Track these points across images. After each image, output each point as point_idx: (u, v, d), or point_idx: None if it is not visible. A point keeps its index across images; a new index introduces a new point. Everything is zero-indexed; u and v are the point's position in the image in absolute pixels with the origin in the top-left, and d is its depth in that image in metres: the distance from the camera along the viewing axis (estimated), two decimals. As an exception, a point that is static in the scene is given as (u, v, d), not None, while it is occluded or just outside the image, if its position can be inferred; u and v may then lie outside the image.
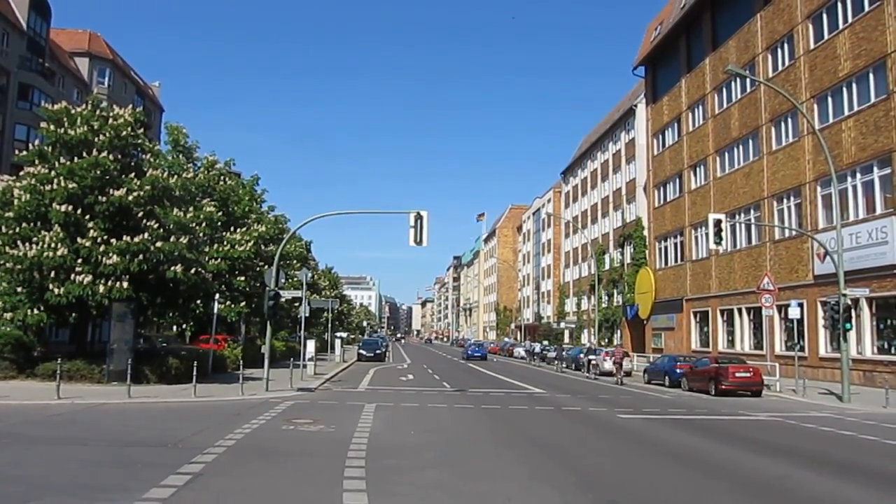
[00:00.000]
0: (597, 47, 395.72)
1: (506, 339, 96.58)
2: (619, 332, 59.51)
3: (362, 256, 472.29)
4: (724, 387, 25.09)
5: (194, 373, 19.72)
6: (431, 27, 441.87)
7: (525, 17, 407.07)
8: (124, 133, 22.87)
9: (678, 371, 29.18)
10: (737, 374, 25.29)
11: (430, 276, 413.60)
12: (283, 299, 24.86)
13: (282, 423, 14.57)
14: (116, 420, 14.70)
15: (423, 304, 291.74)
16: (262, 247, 35.82)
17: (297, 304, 40.40)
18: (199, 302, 27.94)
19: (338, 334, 59.68)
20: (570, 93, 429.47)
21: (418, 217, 22.93)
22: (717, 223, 24.58)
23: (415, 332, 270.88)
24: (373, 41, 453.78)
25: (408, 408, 18.86)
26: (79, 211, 21.40)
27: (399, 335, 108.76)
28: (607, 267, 61.91)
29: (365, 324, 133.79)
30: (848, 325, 23.11)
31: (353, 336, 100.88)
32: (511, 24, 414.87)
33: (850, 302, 23.11)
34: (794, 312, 26.58)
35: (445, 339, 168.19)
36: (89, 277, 20.78)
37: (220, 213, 32.35)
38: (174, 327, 40.54)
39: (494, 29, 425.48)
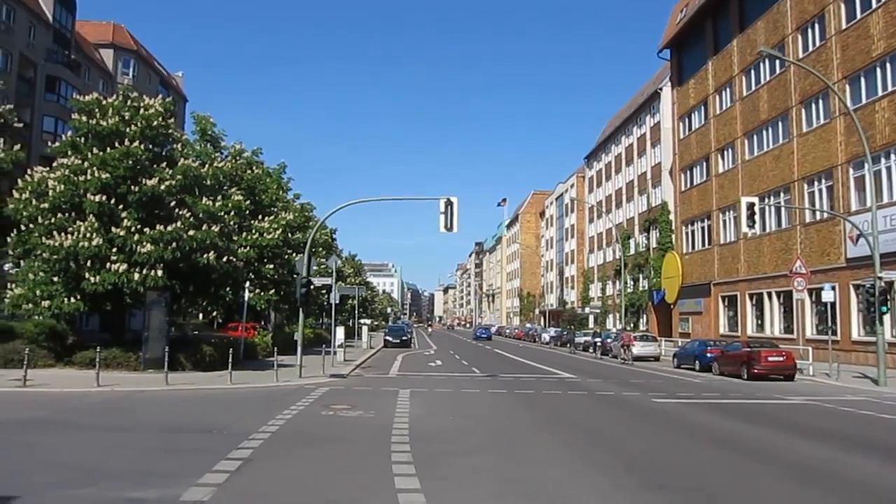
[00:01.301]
0: (619, 32, 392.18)
1: (528, 325, 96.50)
2: (644, 316, 59.25)
3: (383, 243, 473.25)
4: (756, 371, 24.90)
5: (230, 360, 19.91)
6: (454, 13, 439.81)
7: (547, 2, 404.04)
8: (155, 123, 23.04)
9: (709, 355, 28.98)
10: (769, 359, 25.09)
11: (451, 262, 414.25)
12: (313, 287, 24.98)
13: (321, 409, 14.69)
14: (157, 407, 14.90)
15: (445, 291, 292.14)
16: (290, 235, 36.09)
17: (323, 292, 40.69)
18: (228, 290, 28.18)
19: (362, 321, 60.05)
20: (592, 78, 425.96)
21: (448, 203, 22.93)
22: (751, 206, 24.33)
23: (437, 319, 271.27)
24: (395, 29, 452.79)
25: (442, 393, 18.93)
26: (112, 201, 21.65)
27: (428, 323, 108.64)
28: (632, 252, 61.51)
29: (389, 310, 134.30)
30: (884, 308, 22.81)
31: (376, 323, 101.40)
32: (533, 10, 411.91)
33: (884, 285, 22.76)
34: (827, 296, 26.24)
35: (468, 325, 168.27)
36: (124, 266, 21.04)
37: (247, 202, 32.62)
38: (201, 315, 40.96)
39: (516, 15, 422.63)
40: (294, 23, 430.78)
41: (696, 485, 8.37)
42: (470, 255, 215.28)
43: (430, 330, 73.15)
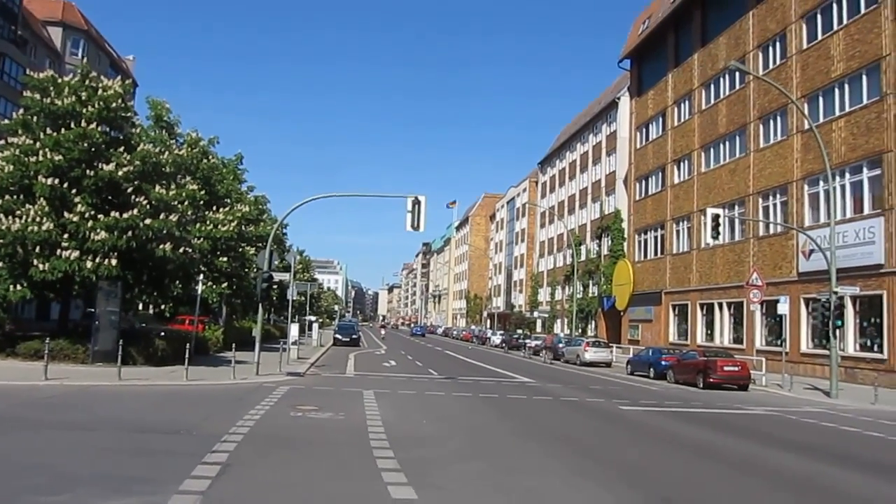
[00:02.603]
0: (577, 40, 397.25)
1: (473, 327, 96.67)
2: (594, 322, 59.81)
3: (329, 240, 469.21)
4: (712, 380, 25.20)
5: (186, 356, 19.15)
6: (411, 13, 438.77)
7: (506, 7, 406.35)
8: (114, 105, 22.07)
9: (663, 363, 29.27)
10: (725, 368, 25.42)
11: (396, 261, 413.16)
12: (285, 281, 24.30)
13: (288, 410, 14.15)
14: (115, 404, 14.13)
15: (390, 290, 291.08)
16: (244, 227, 35.12)
17: (274, 287, 39.79)
18: (177, 282, 27.24)
19: (308, 318, 59.10)
20: (547, 84, 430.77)
21: (416, 202, 22.63)
22: (715, 217, 24.61)
23: (381, 318, 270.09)
24: (349, 26, 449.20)
25: (407, 395, 18.55)
26: (65, 185, 20.62)
27: (381, 323, 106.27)
28: (584, 258, 62.07)
29: (336, 308, 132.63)
30: (839, 323, 23.32)
31: (320, 320, 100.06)
32: (491, 13, 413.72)
33: (847, 300, 23.28)
34: (782, 308, 26.76)
35: (412, 325, 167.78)
36: (76, 253, 20.03)
37: (202, 192, 31.55)
38: (149, 307, 39.61)
39: (473, 17, 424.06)
40: (248, 17, 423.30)
41: (699, 499, 8.20)
42: (417, 255, 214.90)
43: (383, 332, 71.56)
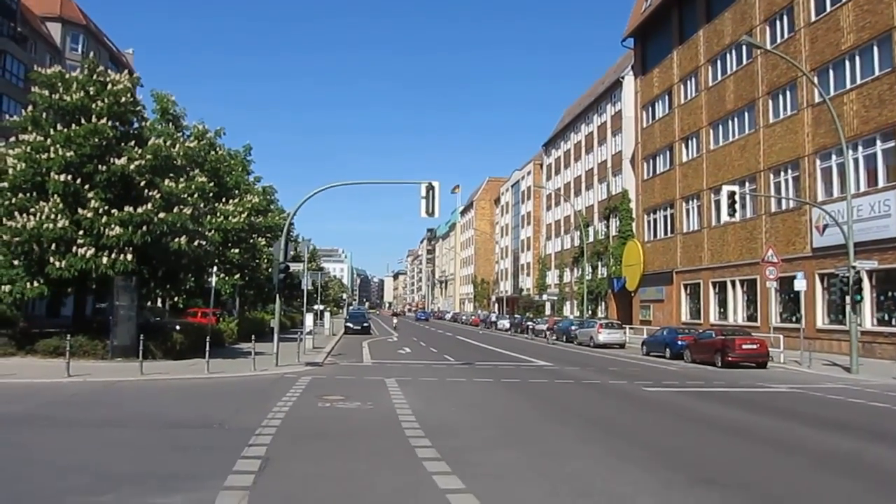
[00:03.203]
0: (579, 19, 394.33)
1: (480, 312, 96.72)
2: (604, 304, 59.72)
3: (333, 229, 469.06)
4: (730, 358, 25.12)
5: (206, 349, 19.12)
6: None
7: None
8: (123, 99, 21.92)
9: (680, 343, 29.18)
10: (743, 346, 25.34)
11: (400, 248, 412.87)
12: (295, 271, 24.20)
13: (315, 401, 14.10)
14: (142, 399, 14.10)
15: (395, 277, 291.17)
16: (254, 218, 35.06)
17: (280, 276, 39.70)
18: (189, 274, 27.22)
19: (316, 307, 59.14)
20: (549, 66, 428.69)
21: (430, 188, 22.44)
22: (731, 195, 24.39)
23: (387, 305, 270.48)
24: (350, 13, 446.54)
25: (429, 382, 18.50)
26: (78, 181, 20.51)
27: (394, 312, 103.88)
28: (591, 239, 61.84)
29: (344, 297, 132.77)
30: (858, 297, 23.17)
31: (328, 309, 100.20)
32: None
33: (863, 274, 23.11)
34: (799, 285, 26.58)
35: (417, 311, 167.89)
36: (92, 250, 19.98)
37: (211, 184, 31.47)
38: (161, 301, 39.63)
39: (474, 0, 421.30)
40: (242, 8, 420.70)
41: (744, 480, 8.11)
42: (421, 242, 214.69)
43: (395, 321, 67.38)
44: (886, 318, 27.82)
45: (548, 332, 48.39)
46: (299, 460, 8.63)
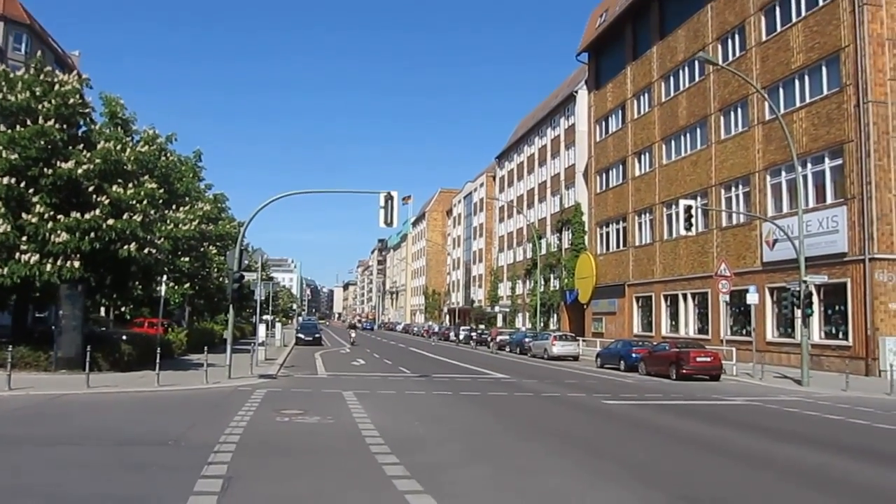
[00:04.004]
0: (532, 32, 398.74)
1: (430, 324, 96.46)
2: (556, 315, 60.03)
3: (281, 238, 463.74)
4: (685, 371, 25.33)
5: (157, 360, 18.44)
6: (359, 8, 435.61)
7: (461, 1, 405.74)
8: (71, 101, 21.09)
9: (634, 355, 29.37)
10: (698, 359, 25.59)
11: (350, 259, 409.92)
12: (247, 281, 23.58)
13: (273, 415, 13.64)
14: (90, 414, 13.43)
15: (345, 287, 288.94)
16: (204, 226, 34.23)
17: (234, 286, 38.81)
18: (137, 283, 26.35)
19: (265, 317, 58.05)
20: (502, 78, 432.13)
21: (388, 198, 22.22)
22: (688, 209, 24.66)
23: (336, 316, 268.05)
24: (296, 25, 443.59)
25: (388, 395, 18.15)
26: (22, 184, 19.63)
27: (351, 324, 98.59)
28: (544, 252, 62.20)
29: (294, 307, 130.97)
30: (810, 311, 23.65)
31: (277, 319, 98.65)
32: (444, 8, 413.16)
33: (812, 288, 23.60)
34: (752, 298, 27.04)
35: (363, 321, 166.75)
36: (36, 256, 19.10)
37: (161, 191, 30.60)
38: (104, 310, 38.33)
39: (426, 10, 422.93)
40: (189, 14, 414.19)
41: (721, 497, 8.02)
42: (372, 252, 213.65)
43: (353, 334, 56.92)
44: (833, 331, 28.49)
45: (490, 343, 51.42)
46: (263, 480, 8.23)
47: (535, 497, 7.71)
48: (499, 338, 50.77)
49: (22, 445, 10.09)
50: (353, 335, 55.47)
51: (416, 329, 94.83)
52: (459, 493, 7.80)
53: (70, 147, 20.83)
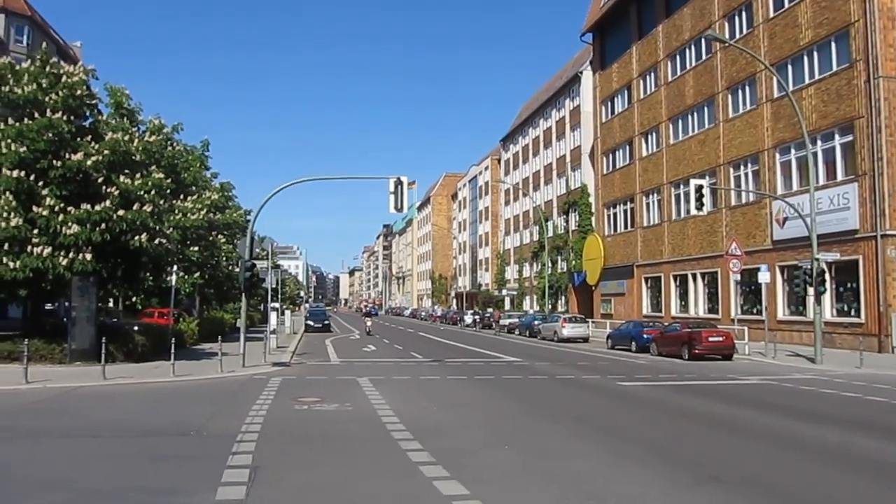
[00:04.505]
0: (536, 14, 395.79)
1: (436, 308, 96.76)
2: (564, 298, 60.00)
3: (287, 226, 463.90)
4: (697, 351, 25.28)
5: (172, 350, 18.47)
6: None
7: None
8: (78, 92, 21.00)
9: (646, 336, 29.34)
10: (710, 339, 25.54)
11: (355, 245, 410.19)
12: (257, 269, 23.57)
13: (291, 403, 13.66)
14: (109, 406, 13.47)
15: (351, 273, 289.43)
16: (212, 215, 34.18)
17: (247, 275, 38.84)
18: (147, 273, 26.37)
19: (273, 305, 58.15)
20: (506, 61, 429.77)
21: (398, 183, 22.13)
22: (699, 188, 24.52)
23: (343, 302, 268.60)
24: (299, 8, 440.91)
25: (403, 381, 18.17)
26: (32, 177, 19.59)
27: (364, 311, 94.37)
28: (551, 234, 62.09)
29: (302, 294, 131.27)
30: (822, 289, 23.56)
31: (285, 307, 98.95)
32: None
33: (824, 266, 23.48)
34: (763, 277, 26.97)
35: (368, 306, 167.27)
36: (48, 249, 19.10)
37: (168, 181, 30.57)
38: (114, 301, 38.42)
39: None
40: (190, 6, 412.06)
41: (748, 477, 7.98)
42: (377, 238, 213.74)
43: (368, 323, 49.70)
44: (845, 308, 28.41)
45: (494, 325, 52.41)
46: (289, 468, 8.24)
47: (563, 480, 7.70)
48: (508, 321, 50.85)
49: (44, 438, 10.12)
50: (370, 324, 48.91)
51: (423, 314, 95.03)
52: (487, 477, 7.79)
53: (78, 139, 20.76)
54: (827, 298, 28.43)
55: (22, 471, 8.11)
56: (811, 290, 23.66)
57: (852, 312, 27.90)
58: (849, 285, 28.21)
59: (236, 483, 7.41)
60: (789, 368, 22.28)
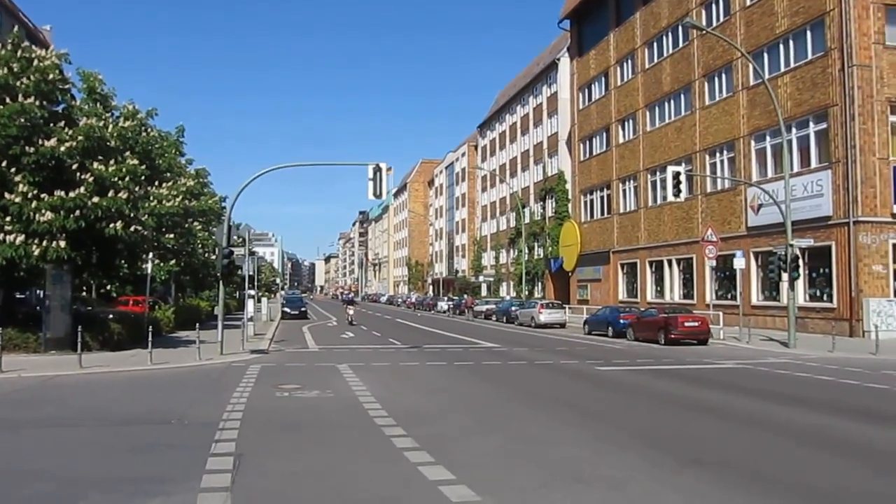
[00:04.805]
0: (511, 1, 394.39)
1: (412, 295, 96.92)
2: (540, 284, 60.28)
3: (261, 212, 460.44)
4: (673, 336, 25.56)
5: (149, 339, 18.30)
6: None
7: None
8: (51, 77, 20.59)
9: (622, 322, 29.58)
10: (686, 324, 25.83)
11: (331, 231, 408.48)
12: (234, 256, 23.34)
13: (272, 391, 13.62)
14: (87, 395, 13.32)
15: (327, 260, 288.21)
16: (187, 202, 33.80)
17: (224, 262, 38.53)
18: (123, 261, 26.07)
19: (250, 292, 57.75)
20: (483, 47, 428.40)
21: (377, 169, 22.03)
22: (676, 175, 24.69)
23: (318, 289, 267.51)
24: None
25: (382, 367, 18.19)
26: (3, 163, 19.22)
27: (347, 300, 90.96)
28: (528, 220, 62.26)
29: (278, 281, 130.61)
30: (796, 274, 23.91)
31: (262, 294, 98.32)
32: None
33: (797, 252, 23.82)
34: (738, 263, 27.34)
35: (343, 293, 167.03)
36: (21, 237, 18.78)
37: (143, 167, 30.16)
38: (86, 290, 37.92)
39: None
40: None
41: (729, 459, 8.11)
42: (353, 224, 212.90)
43: (351, 312, 45.01)
44: (818, 293, 28.88)
45: (467, 311, 55.30)
46: (273, 456, 8.22)
47: (549, 465, 7.76)
48: (485, 307, 51.02)
49: (23, 429, 10.00)
50: (352, 312, 44.30)
51: (399, 300, 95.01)
52: (471, 463, 7.84)
53: (51, 124, 20.38)
54: (800, 284, 28.81)
55: (4, 461, 8.02)
56: (785, 276, 23.98)
57: (825, 298, 28.37)
58: (821, 271, 28.66)
59: (221, 471, 7.39)
60: (763, 353, 22.64)
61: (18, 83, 19.89)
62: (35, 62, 20.33)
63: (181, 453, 8.41)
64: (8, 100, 19.49)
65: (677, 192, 24.70)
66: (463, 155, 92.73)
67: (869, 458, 8.37)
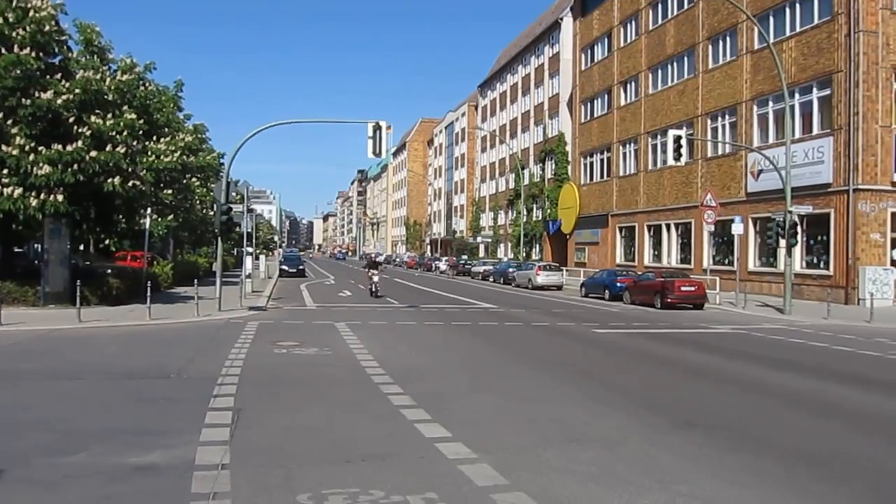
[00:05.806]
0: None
1: (408, 254, 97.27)
2: (538, 246, 60.33)
3: (260, 170, 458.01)
4: (669, 300, 25.69)
5: (148, 294, 18.37)
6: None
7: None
8: (47, 28, 20.31)
9: (619, 285, 29.68)
10: (682, 288, 25.94)
11: (330, 190, 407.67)
12: (232, 213, 23.26)
13: (270, 347, 13.74)
14: (87, 348, 13.42)
15: (325, 219, 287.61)
16: (186, 158, 33.62)
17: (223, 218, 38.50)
18: (121, 216, 26.01)
19: (248, 249, 57.75)
20: (484, 5, 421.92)
21: (377, 128, 21.88)
22: (678, 139, 24.52)
23: (316, 247, 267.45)
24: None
25: (380, 326, 18.30)
26: (0, 115, 19.07)
27: (372, 257, 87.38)
28: (527, 182, 62.04)
29: (276, 239, 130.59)
30: (794, 241, 23.93)
31: (259, 252, 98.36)
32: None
33: (796, 219, 23.81)
34: (736, 229, 27.34)
35: (351, 254, 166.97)
36: (19, 190, 18.73)
37: (141, 122, 29.91)
38: (84, 244, 37.91)
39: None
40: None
41: (722, 422, 8.22)
42: (352, 183, 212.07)
43: (375, 277, 30.77)
44: (815, 261, 28.95)
45: (448, 269, 58.53)
46: (271, 411, 8.32)
47: (543, 423, 7.87)
48: (482, 268, 51.12)
49: (24, 380, 10.10)
50: (376, 279, 31.08)
51: (397, 260, 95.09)
52: (468, 420, 7.93)
53: (48, 77, 20.19)
54: (797, 251, 28.78)
55: (5, 412, 8.11)
56: (783, 243, 24.01)
57: (821, 265, 28.45)
58: (819, 238, 28.69)
59: (220, 425, 7.49)
60: (759, 318, 22.77)
61: (14, 34, 19.65)
62: (31, 13, 20.03)
63: (181, 407, 8.51)
64: (3, 51, 19.27)
65: (678, 157, 24.56)
66: (463, 115, 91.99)
67: (859, 422, 8.47)
